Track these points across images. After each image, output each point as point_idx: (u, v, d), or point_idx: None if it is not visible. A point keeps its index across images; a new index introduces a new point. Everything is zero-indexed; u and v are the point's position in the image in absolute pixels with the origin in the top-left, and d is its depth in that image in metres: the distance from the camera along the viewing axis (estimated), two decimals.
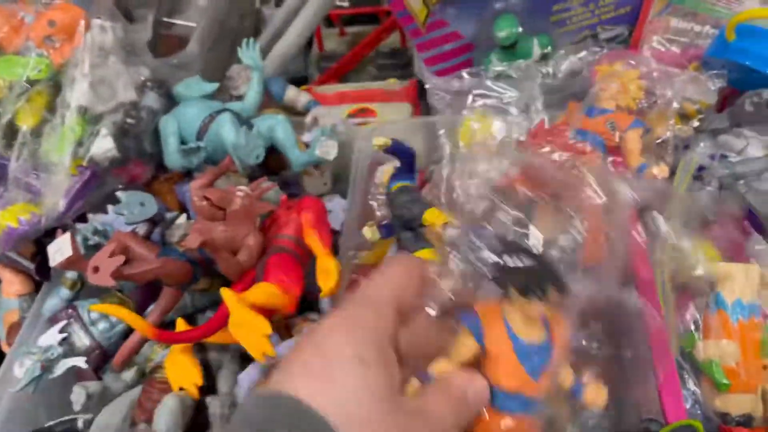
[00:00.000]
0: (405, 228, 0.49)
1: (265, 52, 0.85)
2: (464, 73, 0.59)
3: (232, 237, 0.47)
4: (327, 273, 0.46)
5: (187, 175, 0.59)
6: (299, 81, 0.90)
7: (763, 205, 0.50)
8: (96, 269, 0.40)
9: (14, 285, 0.53)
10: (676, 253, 0.49)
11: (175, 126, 0.55)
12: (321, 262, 0.47)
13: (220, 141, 0.52)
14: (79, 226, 0.48)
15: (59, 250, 0.42)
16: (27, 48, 0.50)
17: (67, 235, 0.43)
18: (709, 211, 0.53)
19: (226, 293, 0.42)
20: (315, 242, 0.48)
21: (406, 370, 0.28)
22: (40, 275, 0.51)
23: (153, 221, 0.49)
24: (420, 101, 0.79)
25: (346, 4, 0.96)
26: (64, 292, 0.50)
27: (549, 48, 0.66)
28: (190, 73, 0.78)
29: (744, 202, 0.51)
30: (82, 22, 0.51)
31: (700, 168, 0.55)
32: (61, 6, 0.51)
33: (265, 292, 0.43)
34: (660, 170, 0.53)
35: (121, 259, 0.40)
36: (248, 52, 0.59)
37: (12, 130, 0.49)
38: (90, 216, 0.50)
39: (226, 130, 0.51)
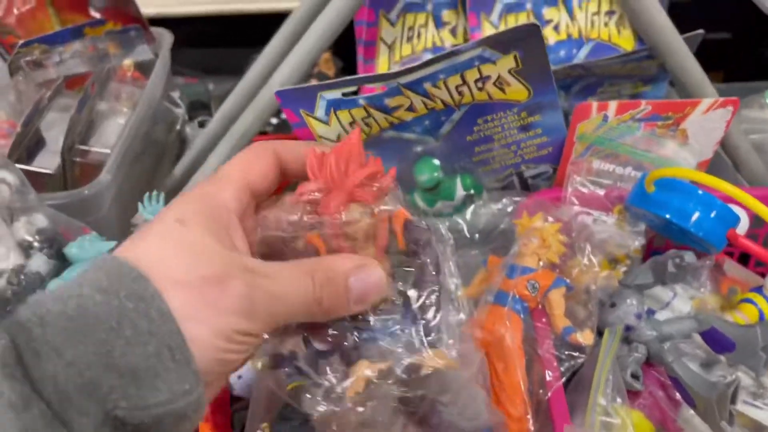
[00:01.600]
0: None
1: (187, 176, 0.82)
2: None
3: None
4: None
5: None
6: None
7: (689, 376, 0.48)
8: None
9: None
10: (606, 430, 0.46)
11: None
12: None
13: None
14: None
15: None
16: None
17: None
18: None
19: None
20: None
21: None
22: None
23: None
24: None
25: (275, 120, 0.94)
26: None
27: (472, 189, 0.65)
28: (104, 203, 0.74)
29: (672, 372, 0.49)
30: None
31: (627, 328, 0.53)
32: None
33: None
34: (584, 337, 0.50)
35: None
36: (150, 207, 0.55)
37: None
38: None
39: None
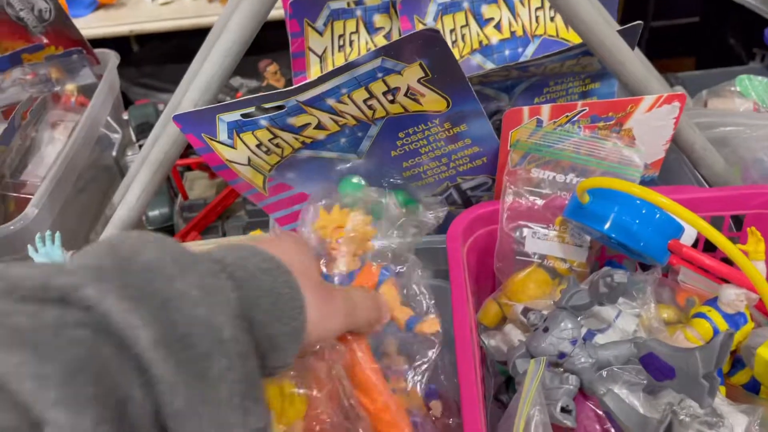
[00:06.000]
0: None
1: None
2: None
3: None
4: None
5: None
6: (166, 232, 0.83)
7: (621, 410, 0.43)
8: None
9: None
10: None
11: None
12: None
13: None
14: None
15: None
16: None
17: None
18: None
19: None
20: None
21: None
22: None
23: None
24: None
25: None
26: None
27: (405, 205, 0.60)
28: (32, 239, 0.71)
29: (604, 405, 0.44)
30: None
31: (561, 355, 0.48)
32: None
33: None
34: (430, 324, 0.46)
35: None
36: (43, 249, 0.51)
37: None
38: None
39: None
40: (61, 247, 0.52)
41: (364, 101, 0.51)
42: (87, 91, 0.94)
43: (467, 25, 0.71)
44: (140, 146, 0.87)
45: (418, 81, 0.50)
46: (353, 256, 0.47)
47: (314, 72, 0.71)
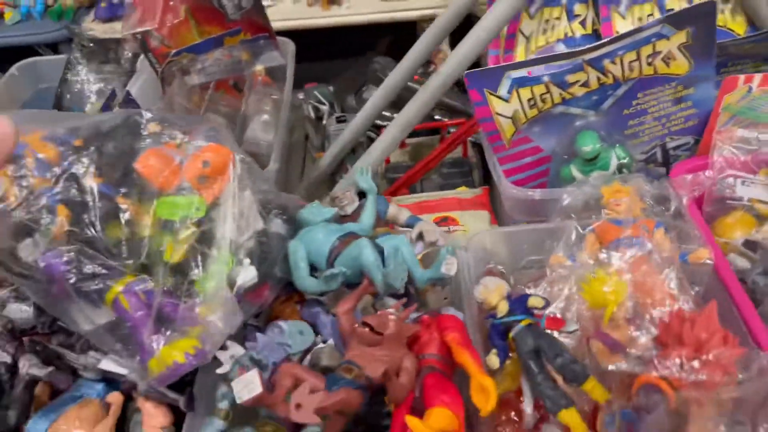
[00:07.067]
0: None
1: (334, 165, 0.90)
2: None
3: (392, 361, 0.49)
4: (484, 392, 0.48)
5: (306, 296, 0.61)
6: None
7: None
8: (299, 406, 0.41)
9: (157, 418, 0.52)
10: None
11: (304, 251, 0.58)
12: (477, 381, 0.49)
13: (358, 265, 0.55)
14: (234, 354, 0.50)
15: (246, 386, 0.43)
16: (181, 188, 0.52)
17: (255, 372, 0.44)
18: None
19: (412, 422, 0.43)
20: (468, 361, 0.50)
21: None
22: (188, 407, 0.52)
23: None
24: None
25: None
26: (219, 423, 0.50)
27: (626, 159, 0.72)
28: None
29: None
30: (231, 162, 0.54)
31: None
32: (213, 147, 0.54)
33: (444, 417, 0.44)
34: (701, 252, 0.57)
35: (321, 395, 0.42)
36: (364, 177, 0.63)
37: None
38: (247, 344, 0.51)
39: (367, 255, 0.54)
40: (370, 178, 0.63)
41: (630, 63, 0.62)
42: (269, 72, 1.06)
43: (652, 14, 0.83)
44: (338, 119, 0.98)
45: (678, 47, 0.61)
46: (629, 213, 0.60)
47: (520, 51, 0.83)
